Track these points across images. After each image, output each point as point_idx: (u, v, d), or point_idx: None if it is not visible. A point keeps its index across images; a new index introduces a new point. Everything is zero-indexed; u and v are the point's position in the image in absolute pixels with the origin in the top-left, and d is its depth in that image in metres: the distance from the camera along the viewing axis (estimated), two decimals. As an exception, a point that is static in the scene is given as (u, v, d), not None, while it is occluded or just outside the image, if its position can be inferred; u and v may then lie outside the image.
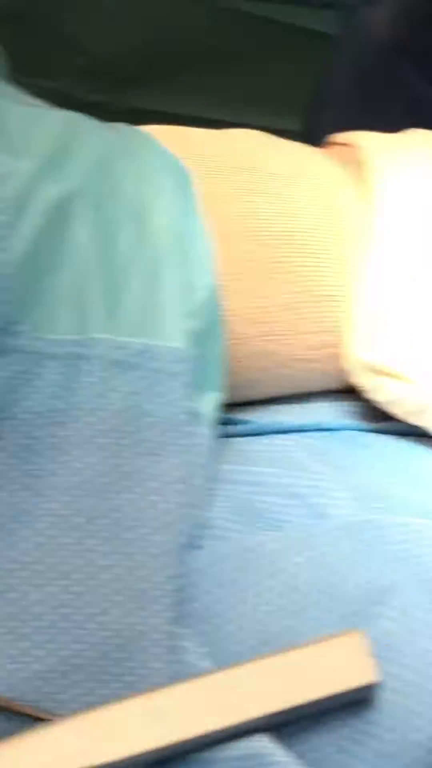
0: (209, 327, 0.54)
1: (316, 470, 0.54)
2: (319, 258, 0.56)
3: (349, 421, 0.59)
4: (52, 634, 0.45)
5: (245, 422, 0.57)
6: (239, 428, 0.56)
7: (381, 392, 0.56)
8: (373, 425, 0.59)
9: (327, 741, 0.46)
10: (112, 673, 0.46)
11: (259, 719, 0.45)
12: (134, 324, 0.51)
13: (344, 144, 0.62)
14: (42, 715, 0.45)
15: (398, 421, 0.58)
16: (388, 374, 0.56)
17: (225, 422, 0.55)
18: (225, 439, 0.55)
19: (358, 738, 0.46)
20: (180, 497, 0.49)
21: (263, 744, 0.45)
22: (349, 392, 0.58)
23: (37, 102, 0.59)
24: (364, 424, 0.59)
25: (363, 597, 0.48)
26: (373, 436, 0.58)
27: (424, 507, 0.53)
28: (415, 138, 0.62)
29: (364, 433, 0.58)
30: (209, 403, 0.53)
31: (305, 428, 0.57)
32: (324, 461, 0.55)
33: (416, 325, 0.56)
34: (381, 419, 0.58)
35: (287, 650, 0.46)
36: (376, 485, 0.54)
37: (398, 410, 0.57)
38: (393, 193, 0.58)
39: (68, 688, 0.45)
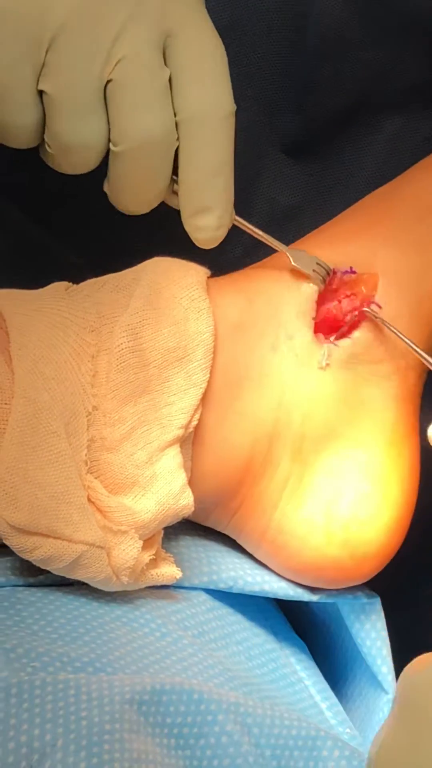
0: None
1: None
2: None
3: (6, 578, 0.60)
4: None
5: None
6: None
7: (34, 552, 0.57)
8: (32, 579, 0.60)
9: None
10: None
11: None
12: None
13: None
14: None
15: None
16: (36, 533, 0.57)
17: None
18: None
19: None
20: None
21: None
22: (4, 547, 0.59)
23: None
24: (22, 580, 0.60)
25: (20, 762, 0.49)
26: (31, 590, 0.59)
27: (78, 660, 0.54)
28: (44, 293, 0.63)
29: (22, 589, 0.59)
30: None
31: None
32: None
33: (58, 481, 0.57)
34: (39, 572, 0.59)
35: None
36: (31, 643, 0.54)
37: (53, 567, 0.58)
38: (28, 351, 0.59)
39: None
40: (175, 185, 0.61)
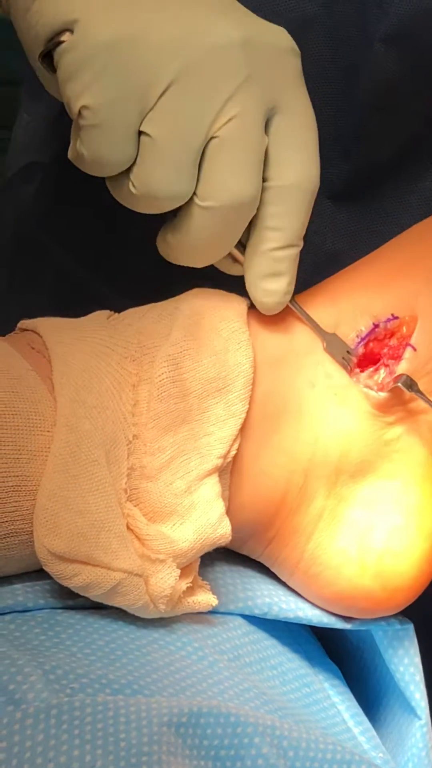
0: None
1: (9, 655, 0.54)
2: (5, 447, 0.57)
3: (44, 601, 0.60)
4: None
5: None
6: None
7: (72, 579, 0.58)
8: (70, 602, 0.60)
9: None
10: None
11: None
12: None
13: (28, 330, 0.64)
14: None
15: None
16: (75, 561, 0.57)
17: None
18: None
19: None
20: None
21: None
22: (43, 570, 0.59)
23: None
24: (60, 602, 0.60)
25: None
26: (70, 613, 0.60)
27: (117, 682, 0.54)
28: (86, 322, 0.64)
29: (60, 611, 0.60)
30: None
31: (-1, 611, 0.58)
32: (18, 644, 0.56)
33: (98, 509, 0.58)
34: (78, 594, 0.59)
35: None
36: (70, 665, 0.55)
37: (91, 594, 0.58)
38: (70, 379, 0.60)
39: None
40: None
